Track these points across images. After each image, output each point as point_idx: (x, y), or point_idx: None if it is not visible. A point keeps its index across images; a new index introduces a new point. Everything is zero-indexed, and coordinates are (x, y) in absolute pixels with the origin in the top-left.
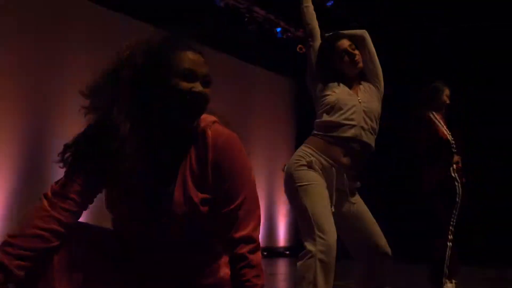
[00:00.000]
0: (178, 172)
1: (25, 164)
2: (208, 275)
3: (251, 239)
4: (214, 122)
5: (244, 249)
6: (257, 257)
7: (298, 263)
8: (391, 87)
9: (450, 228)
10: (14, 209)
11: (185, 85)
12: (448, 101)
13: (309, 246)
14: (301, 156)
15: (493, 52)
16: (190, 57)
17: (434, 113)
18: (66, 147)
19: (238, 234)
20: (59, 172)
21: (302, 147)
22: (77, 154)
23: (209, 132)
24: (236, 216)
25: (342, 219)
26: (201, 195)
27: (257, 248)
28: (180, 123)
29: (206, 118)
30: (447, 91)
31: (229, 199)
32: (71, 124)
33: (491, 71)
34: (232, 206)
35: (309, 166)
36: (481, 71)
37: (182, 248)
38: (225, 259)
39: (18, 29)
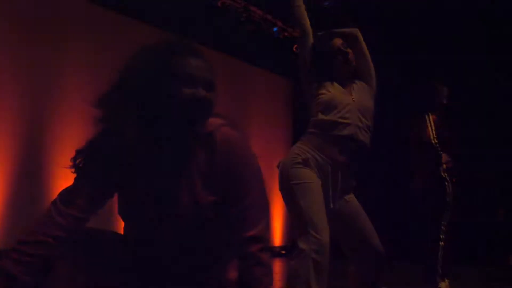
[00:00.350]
0: (186, 175)
1: (23, 164)
2: (215, 277)
3: (261, 239)
4: (222, 125)
5: (254, 248)
6: (267, 256)
7: (291, 262)
8: (391, 86)
9: (442, 228)
10: (13, 208)
11: (187, 91)
12: (445, 101)
13: (302, 244)
14: (297, 153)
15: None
16: (191, 63)
17: (430, 113)
18: (77, 153)
19: (249, 234)
20: (57, 171)
21: (298, 144)
22: (87, 161)
23: (218, 135)
24: (246, 216)
25: (335, 217)
26: (209, 198)
27: (267, 247)
28: (185, 128)
29: (214, 121)
30: (444, 91)
31: (239, 200)
32: (70, 122)
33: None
34: (243, 207)
35: (305, 163)
36: (481, 69)
37: (189, 251)
38: (233, 262)
39: (17, 29)
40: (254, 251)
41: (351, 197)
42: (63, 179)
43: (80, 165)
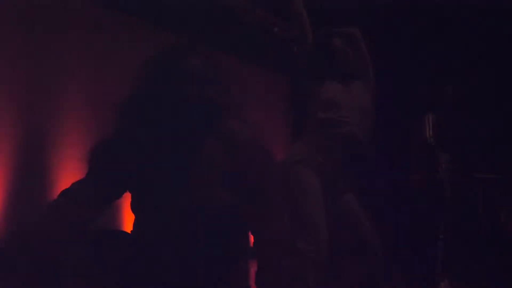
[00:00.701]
0: (202, 174)
1: (23, 163)
2: (229, 278)
3: (277, 241)
4: (241, 127)
5: (270, 250)
6: (282, 258)
7: (290, 262)
8: (391, 85)
9: (441, 227)
10: (14, 207)
11: (190, 90)
12: (446, 101)
13: (301, 244)
14: (297, 153)
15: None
16: (193, 62)
17: (429, 113)
18: (90, 151)
19: (265, 236)
20: (59, 170)
21: (298, 143)
22: (100, 160)
23: (236, 138)
24: (263, 218)
25: (335, 216)
26: (227, 199)
27: (283, 250)
28: (193, 128)
29: (233, 123)
30: (447, 91)
31: (255, 201)
32: (72, 119)
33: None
34: (259, 207)
35: (305, 163)
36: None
37: (203, 251)
38: (247, 264)
39: (16, 28)
40: (270, 253)
41: (350, 197)
42: (65, 178)
43: (93, 163)
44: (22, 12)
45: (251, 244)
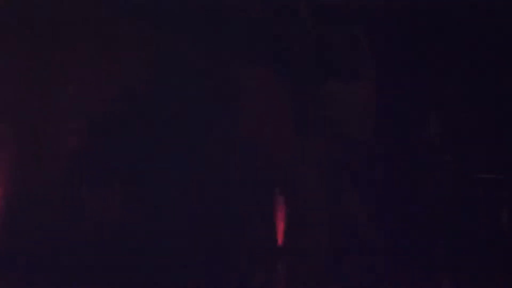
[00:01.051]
0: (202, 173)
1: (24, 161)
2: (228, 283)
3: (278, 241)
4: (240, 126)
5: (271, 250)
6: (283, 258)
7: (290, 262)
8: (392, 85)
9: (441, 227)
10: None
11: (191, 89)
12: (447, 101)
13: (301, 244)
14: (297, 153)
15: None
16: (194, 62)
17: (431, 113)
18: (95, 146)
19: (266, 236)
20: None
21: (298, 143)
22: (101, 157)
23: (236, 136)
24: (264, 218)
25: (335, 215)
26: (226, 197)
27: (284, 250)
28: (194, 128)
29: (233, 122)
30: (447, 91)
31: (256, 201)
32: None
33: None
34: (259, 208)
35: (305, 163)
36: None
37: (203, 252)
38: (246, 267)
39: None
40: (272, 254)
41: (351, 197)
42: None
43: (92, 161)
44: (21, 12)
45: (252, 244)
